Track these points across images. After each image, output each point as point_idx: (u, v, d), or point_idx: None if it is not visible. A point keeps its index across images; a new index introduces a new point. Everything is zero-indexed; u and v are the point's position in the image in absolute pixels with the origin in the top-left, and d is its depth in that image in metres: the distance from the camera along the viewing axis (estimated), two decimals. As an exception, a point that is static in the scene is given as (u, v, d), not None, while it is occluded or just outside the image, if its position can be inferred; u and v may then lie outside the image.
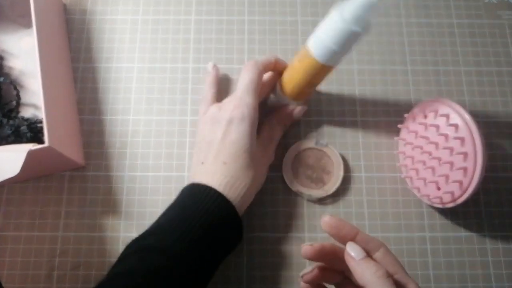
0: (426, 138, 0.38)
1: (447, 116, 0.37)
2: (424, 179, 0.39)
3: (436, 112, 0.38)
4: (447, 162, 0.37)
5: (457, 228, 0.42)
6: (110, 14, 0.49)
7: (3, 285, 0.40)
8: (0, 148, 0.37)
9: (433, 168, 0.38)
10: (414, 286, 0.27)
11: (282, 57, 0.48)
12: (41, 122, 0.43)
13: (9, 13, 0.47)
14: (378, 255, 0.28)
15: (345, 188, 0.43)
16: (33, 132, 0.42)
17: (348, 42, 0.35)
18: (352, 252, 0.28)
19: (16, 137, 0.41)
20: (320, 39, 0.35)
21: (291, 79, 0.41)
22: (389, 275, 0.26)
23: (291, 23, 0.49)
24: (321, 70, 0.38)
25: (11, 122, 0.41)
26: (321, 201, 0.43)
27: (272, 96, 0.45)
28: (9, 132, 0.41)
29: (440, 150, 0.37)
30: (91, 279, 0.40)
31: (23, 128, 0.41)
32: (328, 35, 0.35)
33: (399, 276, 0.27)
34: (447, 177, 0.37)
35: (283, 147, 0.44)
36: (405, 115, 0.42)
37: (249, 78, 0.39)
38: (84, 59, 0.47)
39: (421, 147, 0.40)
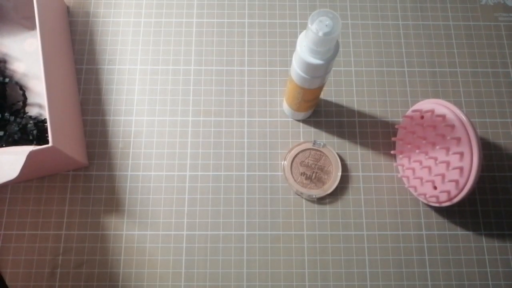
0: (423, 138, 0.39)
1: (443, 116, 0.37)
2: (421, 179, 0.40)
3: (432, 112, 0.38)
4: (444, 162, 0.37)
5: (453, 226, 0.43)
6: (113, 17, 0.50)
7: (7, 283, 0.41)
8: (0, 150, 0.37)
9: (429, 168, 0.39)
10: None
11: (282, 60, 0.48)
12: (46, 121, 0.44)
13: (13, 15, 0.48)
14: None
15: (343, 188, 0.44)
16: (39, 130, 0.43)
17: (313, 70, 0.34)
18: None
19: (23, 134, 0.42)
20: (293, 65, 0.36)
21: (289, 96, 0.41)
22: None
23: (290, 25, 0.50)
24: (306, 91, 0.38)
25: (18, 120, 0.42)
26: (320, 200, 0.43)
27: (284, 108, 0.46)
28: (16, 129, 0.42)
29: (436, 150, 0.38)
30: (94, 277, 0.41)
31: (30, 126, 0.42)
32: (296, 63, 0.35)
33: None
34: (443, 176, 0.37)
35: (282, 148, 0.45)
36: (402, 115, 0.43)
37: None
38: (87, 60, 0.48)
39: (417, 147, 0.40)
